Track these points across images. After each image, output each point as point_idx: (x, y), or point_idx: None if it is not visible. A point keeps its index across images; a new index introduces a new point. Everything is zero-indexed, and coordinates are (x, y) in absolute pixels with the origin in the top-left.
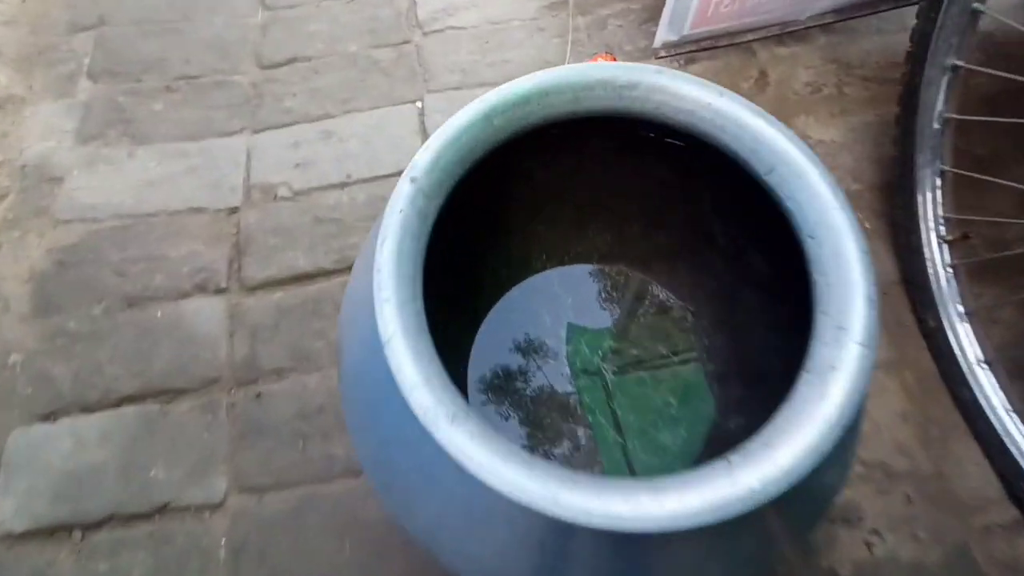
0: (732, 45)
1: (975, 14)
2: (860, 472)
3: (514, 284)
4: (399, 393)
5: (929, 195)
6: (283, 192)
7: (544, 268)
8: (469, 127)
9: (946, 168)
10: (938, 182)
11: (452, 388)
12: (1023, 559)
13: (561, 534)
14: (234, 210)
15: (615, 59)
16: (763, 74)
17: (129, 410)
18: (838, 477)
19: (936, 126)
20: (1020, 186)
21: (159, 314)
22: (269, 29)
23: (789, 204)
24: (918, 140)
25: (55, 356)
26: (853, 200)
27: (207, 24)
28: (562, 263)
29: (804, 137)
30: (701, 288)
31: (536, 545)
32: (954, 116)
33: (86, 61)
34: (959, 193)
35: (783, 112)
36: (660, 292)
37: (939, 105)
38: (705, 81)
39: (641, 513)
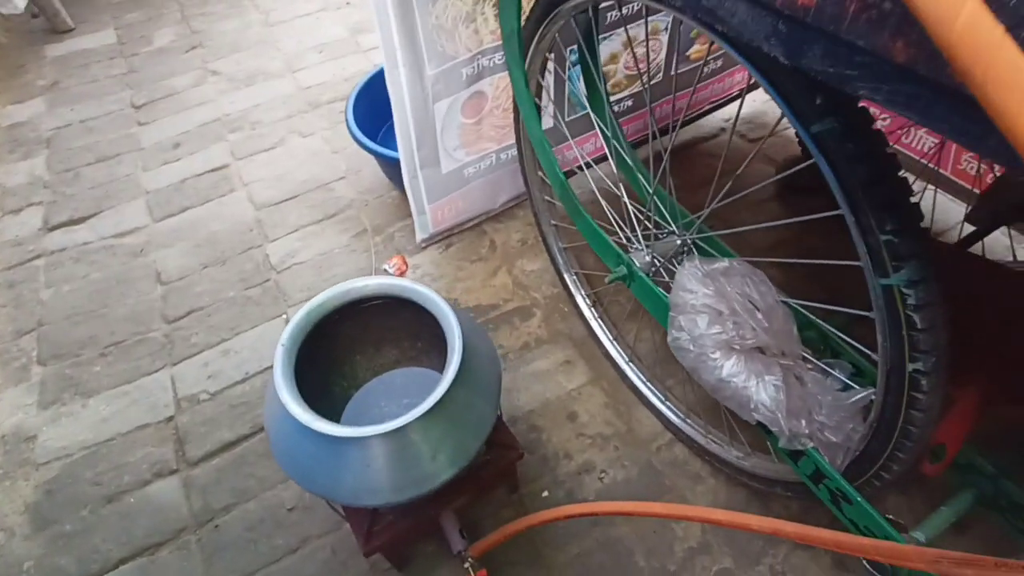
0: (467, 229)
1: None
2: (590, 443)
3: (353, 388)
4: (287, 412)
5: (573, 283)
6: (203, 397)
7: (365, 375)
8: (302, 317)
9: (573, 268)
10: (575, 276)
11: (305, 405)
12: (677, 458)
13: (347, 446)
14: (170, 418)
15: (404, 259)
16: (492, 241)
17: (126, 567)
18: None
19: (556, 247)
20: (601, 273)
21: (132, 500)
22: (168, 297)
23: (436, 314)
24: (554, 256)
25: (59, 552)
26: (550, 300)
27: (120, 305)
28: (376, 372)
29: (522, 270)
30: (439, 358)
31: (336, 455)
32: (567, 244)
33: (34, 354)
34: (589, 275)
35: (508, 260)
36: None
37: (555, 235)
38: (406, 280)
39: (363, 430)
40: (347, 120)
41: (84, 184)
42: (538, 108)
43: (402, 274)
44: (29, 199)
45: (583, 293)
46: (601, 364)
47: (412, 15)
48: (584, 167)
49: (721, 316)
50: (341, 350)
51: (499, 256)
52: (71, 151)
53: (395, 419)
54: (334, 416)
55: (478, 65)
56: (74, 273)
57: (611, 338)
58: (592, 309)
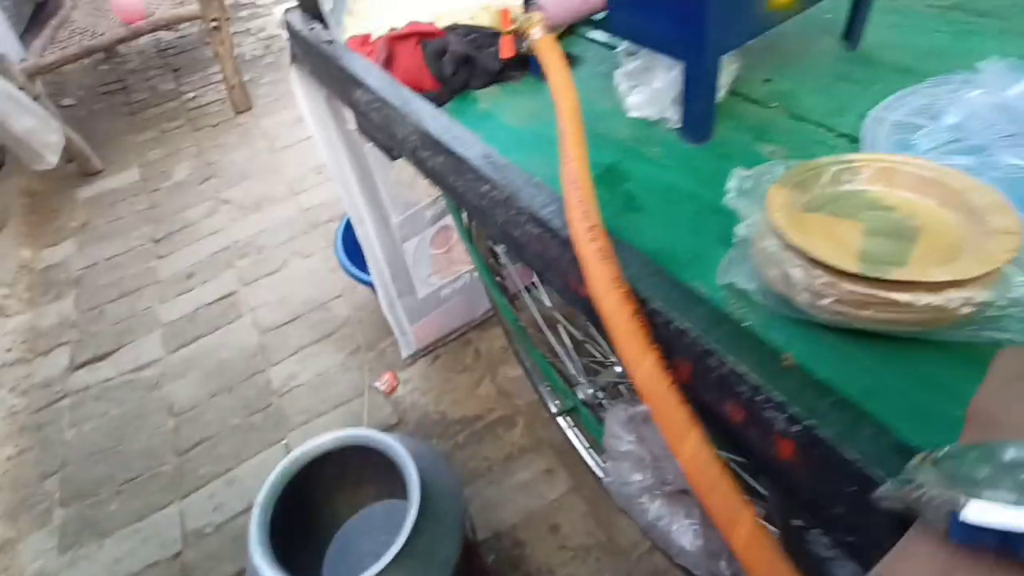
0: (453, 340)
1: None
2: (572, 556)
3: (335, 527)
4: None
5: (546, 394)
6: (208, 531)
7: (347, 511)
8: (276, 476)
9: (545, 381)
10: (547, 388)
11: (278, 567)
12: (657, 567)
13: None
14: (178, 554)
15: (395, 374)
16: (476, 350)
17: None
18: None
19: (527, 362)
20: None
21: None
22: (179, 428)
23: (395, 458)
24: (527, 369)
25: None
26: (531, 407)
27: (135, 440)
28: (356, 508)
29: (505, 377)
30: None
31: None
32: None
33: (56, 496)
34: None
35: (491, 368)
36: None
37: (525, 351)
38: (368, 430)
39: None
40: (336, 249)
41: (108, 320)
42: (495, 254)
43: (393, 390)
44: (59, 339)
45: (556, 404)
46: (581, 471)
47: (372, 176)
48: (526, 292)
49: (643, 462)
50: (321, 492)
51: (483, 365)
52: (97, 289)
53: (364, 571)
54: (316, 558)
55: (441, 204)
56: (95, 411)
57: (586, 446)
58: (566, 419)
